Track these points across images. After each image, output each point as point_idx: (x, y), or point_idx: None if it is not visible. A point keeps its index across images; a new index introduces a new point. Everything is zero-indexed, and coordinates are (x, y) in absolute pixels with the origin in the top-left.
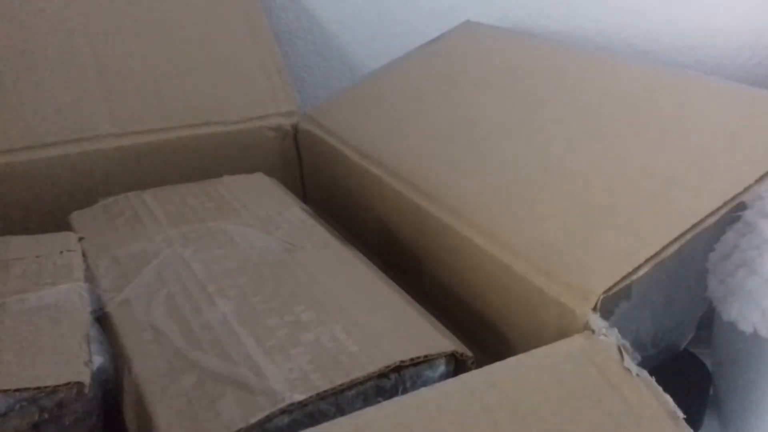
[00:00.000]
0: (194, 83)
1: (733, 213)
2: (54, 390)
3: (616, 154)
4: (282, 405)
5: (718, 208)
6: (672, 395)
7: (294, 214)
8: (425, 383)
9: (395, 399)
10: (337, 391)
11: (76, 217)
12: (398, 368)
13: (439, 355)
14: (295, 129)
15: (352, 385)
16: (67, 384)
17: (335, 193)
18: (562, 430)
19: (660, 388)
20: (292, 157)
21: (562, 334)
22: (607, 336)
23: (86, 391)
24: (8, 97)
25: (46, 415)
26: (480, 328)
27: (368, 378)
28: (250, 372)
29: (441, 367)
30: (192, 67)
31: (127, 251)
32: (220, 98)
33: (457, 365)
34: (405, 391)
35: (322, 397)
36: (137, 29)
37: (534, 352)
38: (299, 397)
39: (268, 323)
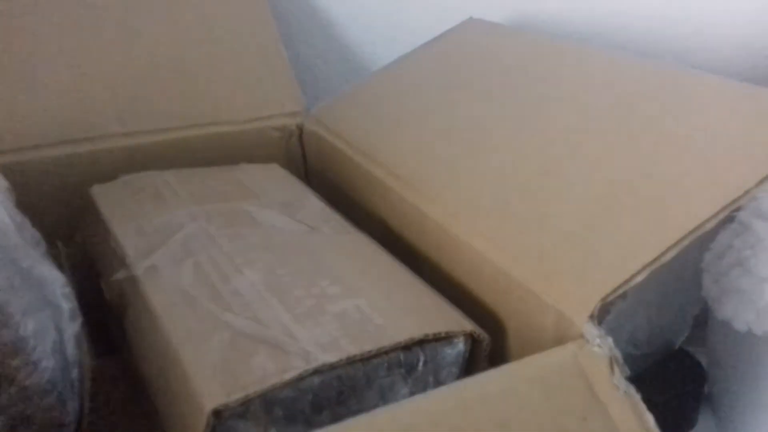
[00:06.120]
0: (200, 83)
1: (728, 214)
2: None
3: (617, 156)
4: (315, 365)
5: (717, 213)
6: (667, 393)
7: (311, 201)
8: (444, 359)
9: (386, 408)
10: (366, 358)
11: (97, 189)
12: (421, 342)
13: (459, 333)
14: (300, 129)
15: (380, 353)
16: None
17: (338, 192)
18: None
19: (644, 407)
20: (297, 157)
21: (558, 339)
22: (601, 347)
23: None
24: (16, 96)
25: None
26: None
27: (395, 347)
28: (282, 334)
29: (459, 345)
30: (198, 67)
31: (151, 223)
32: (225, 98)
33: (473, 349)
34: (426, 365)
35: (351, 361)
36: (144, 29)
37: (526, 360)
38: (331, 358)
39: (295, 293)
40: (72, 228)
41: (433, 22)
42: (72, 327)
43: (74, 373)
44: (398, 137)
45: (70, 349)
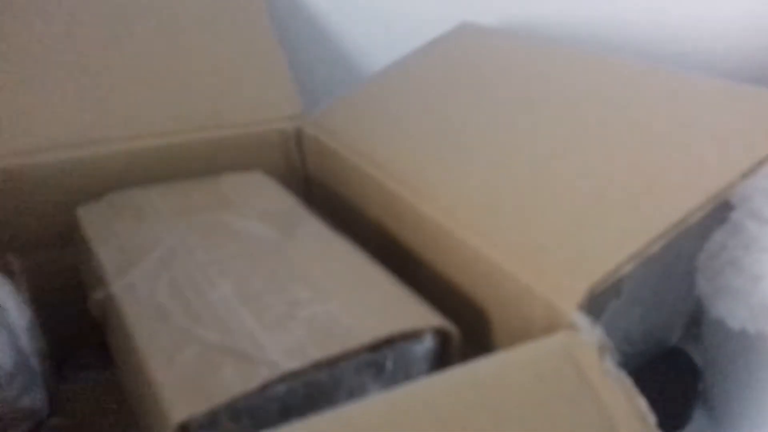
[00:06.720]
0: (199, 87)
1: (721, 214)
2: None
3: (604, 152)
4: (279, 373)
5: (703, 204)
6: (662, 391)
7: (289, 207)
8: (413, 356)
9: (379, 395)
10: (332, 362)
11: (83, 211)
12: (389, 341)
13: (427, 329)
14: (299, 132)
15: (346, 356)
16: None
17: (337, 194)
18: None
19: (635, 391)
20: (296, 160)
21: (549, 330)
22: (591, 335)
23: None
24: (18, 100)
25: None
26: (473, 325)
27: (361, 349)
28: (250, 344)
29: (428, 342)
30: (196, 71)
31: (131, 240)
32: (224, 102)
33: (445, 345)
34: (395, 363)
35: (317, 366)
36: (145, 34)
37: (518, 349)
38: (295, 365)
39: (266, 301)
40: (71, 232)
41: (428, 26)
42: (21, 321)
43: (33, 362)
44: (395, 139)
45: (25, 341)
